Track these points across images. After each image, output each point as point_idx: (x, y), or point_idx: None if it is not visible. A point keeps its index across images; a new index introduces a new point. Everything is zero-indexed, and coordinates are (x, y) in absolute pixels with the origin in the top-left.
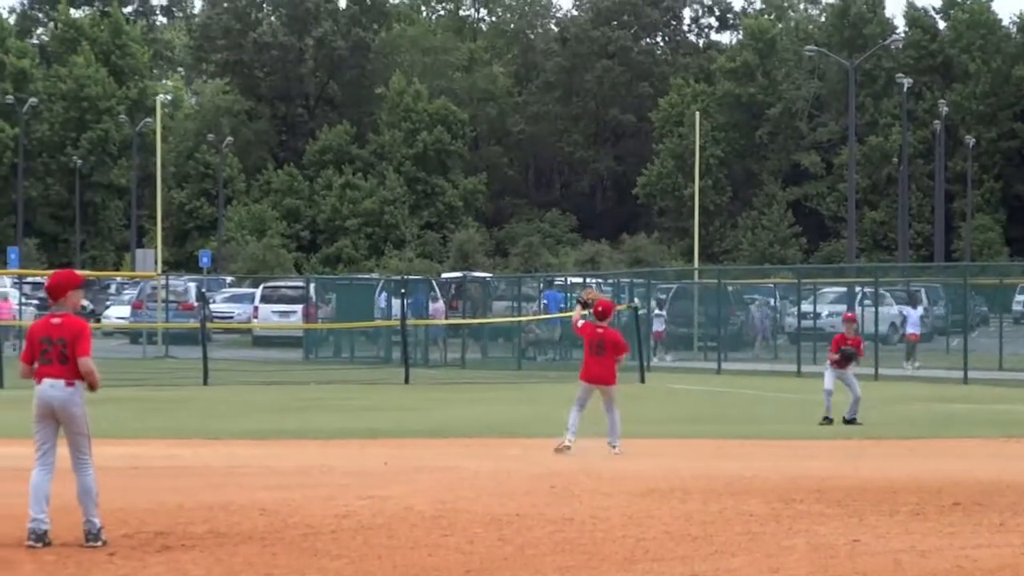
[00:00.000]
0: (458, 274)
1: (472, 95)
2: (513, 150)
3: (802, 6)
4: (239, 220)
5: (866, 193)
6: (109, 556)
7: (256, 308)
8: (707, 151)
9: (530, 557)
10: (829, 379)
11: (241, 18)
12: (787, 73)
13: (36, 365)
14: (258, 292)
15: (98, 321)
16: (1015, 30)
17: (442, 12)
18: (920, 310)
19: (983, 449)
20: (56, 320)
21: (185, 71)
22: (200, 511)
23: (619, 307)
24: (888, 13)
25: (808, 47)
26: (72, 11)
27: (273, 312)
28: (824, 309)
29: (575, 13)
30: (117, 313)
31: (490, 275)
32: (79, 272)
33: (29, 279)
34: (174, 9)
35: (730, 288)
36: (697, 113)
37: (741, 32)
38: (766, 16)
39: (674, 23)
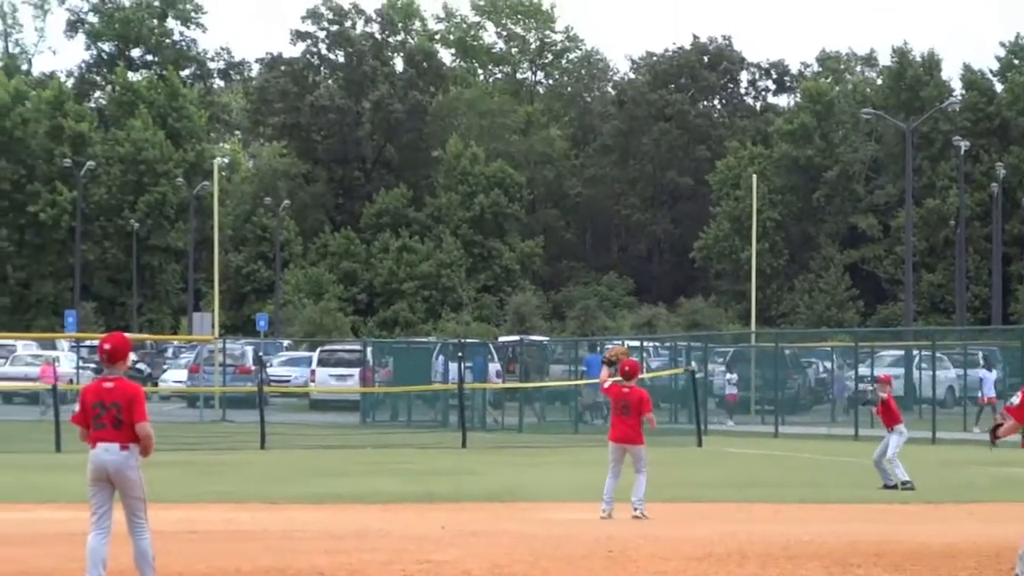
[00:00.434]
0: (515, 338)
1: (529, 158)
2: (570, 213)
3: (859, 68)
4: (296, 283)
5: (923, 256)
6: None
7: (313, 372)
8: (764, 214)
9: None
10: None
11: (298, 81)
12: (844, 135)
13: (90, 429)
14: (315, 356)
15: (155, 385)
16: None
17: (499, 75)
18: (995, 373)
19: None
20: (109, 384)
21: (242, 134)
22: (258, 575)
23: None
24: (945, 76)
25: (865, 110)
26: (130, 74)
27: (330, 376)
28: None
29: (632, 76)
30: (174, 377)
31: (546, 338)
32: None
33: (86, 342)
34: (231, 72)
35: (787, 351)
36: (754, 176)
37: (798, 94)
38: (823, 79)
39: (731, 86)
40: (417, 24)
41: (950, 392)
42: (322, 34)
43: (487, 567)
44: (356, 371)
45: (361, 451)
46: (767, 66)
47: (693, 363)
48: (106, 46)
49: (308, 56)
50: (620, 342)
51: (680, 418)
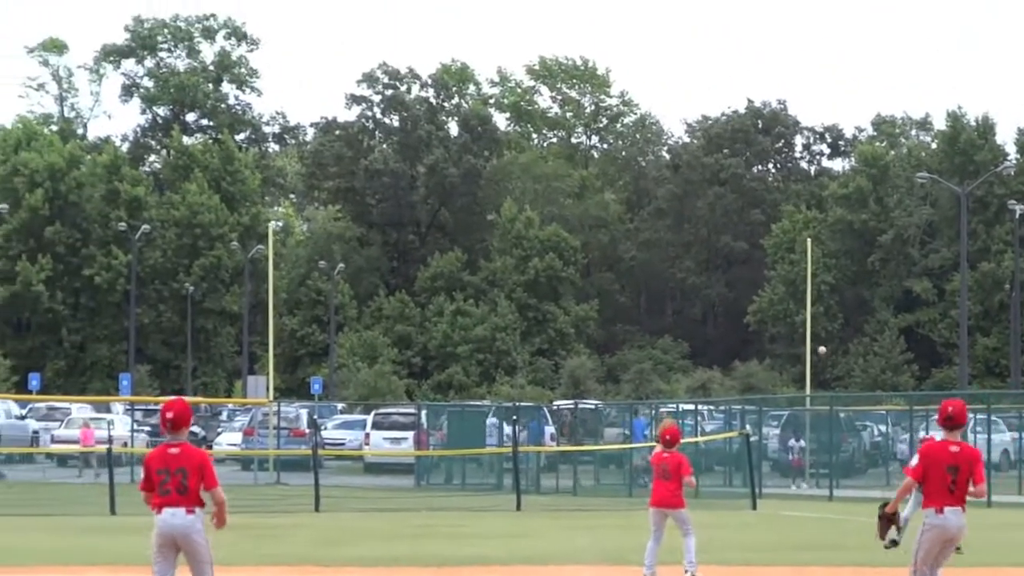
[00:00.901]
0: (570, 403)
1: (584, 222)
2: (625, 276)
3: (914, 132)
4: (350, 347)
5: (978, 319)
6: None
7: (367, 435)
8: (819, 277)
9: None
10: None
11: (353, 145)
12: (899, 199)
13: (154, 495)
14: (369, 419)
15: (210, 447)
16: None
17: (553, 139)
18: None
19: None
20: (174, 450)
21: (296, 198)
22: None
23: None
24: (999, 139)
25: (920, 174)
26: (185, 138)
27: (384, 439)
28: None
29: (687, 140)
30: (228, 440)
31: (597, 403)
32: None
33: (140, 406)
34: (286, 136)
35: (842, 415)
36: (808, 240)
37: (853, 158)
38: (878, 143)
39: (786, 150)
40: (472, 88)
41: (1005, 455)
42: (377, 98)
43: None
44: (410, 434)
45: (415, 514)
46: (821, 130)
47: (748, 426)
48: (161, 110)
49: (363, 120)
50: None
51: (734, 481)
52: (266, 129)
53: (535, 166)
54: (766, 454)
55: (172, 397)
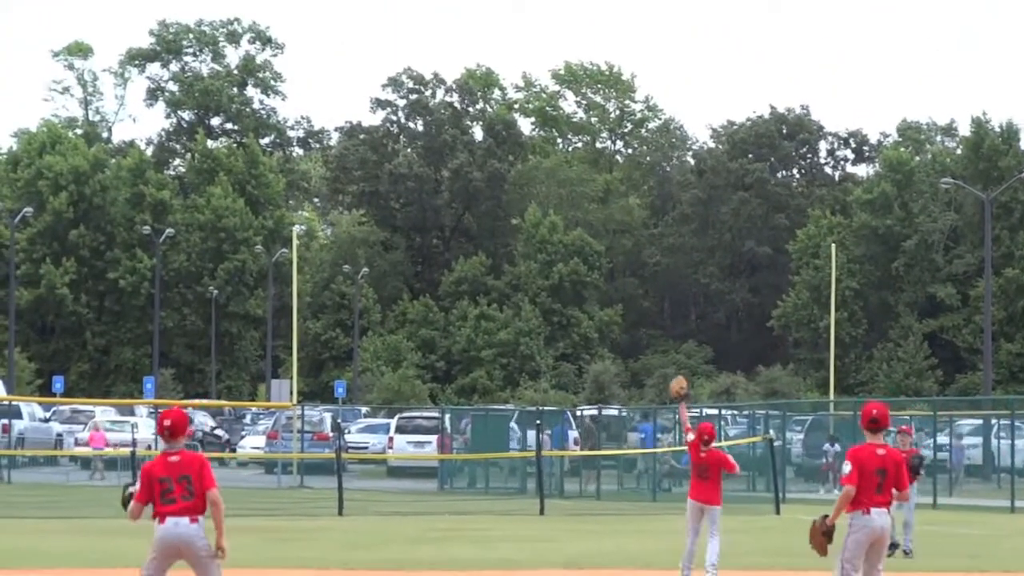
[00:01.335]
0: (593, 408)
1: (608, 226)
2: (649, 281)
3: (939, 138)
4: (374, 351)
5: (1002, 325)
6: None
7: (391, 438)
8: (843, 283)
9: None
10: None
11: (377, 150)
12: (923, 205)
13: (154, 505)
14: (393, 422)
15: (233, 451)
16: None
17: (578, 144)
18: None
19: None
20: (174, 458)
21: (321, 202)
22: None
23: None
24: (1023, 146)
25: (944, 179)
26: (209, 142)
27: (408, 442)
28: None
29: (711, 145)
30: (252, 443)
31: (618, 408)
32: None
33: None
34: (311, 141)
35: None
36: (833, 245)
37: (878, 164)
38: (903, 148)
39: (810, 155)
40: (497, 93)
41: None
42: (402, 103)
43: None
44: (434, 438)
45: (439, 518)
46: (846, 135)
47: (771, 431)
48: (186, 114)
49: (387, 124)
50: (697, 411)
51: (758, 486)
52: (291, 133)
53: (559, 171)
54: (790, 459)
55: (188, 400)
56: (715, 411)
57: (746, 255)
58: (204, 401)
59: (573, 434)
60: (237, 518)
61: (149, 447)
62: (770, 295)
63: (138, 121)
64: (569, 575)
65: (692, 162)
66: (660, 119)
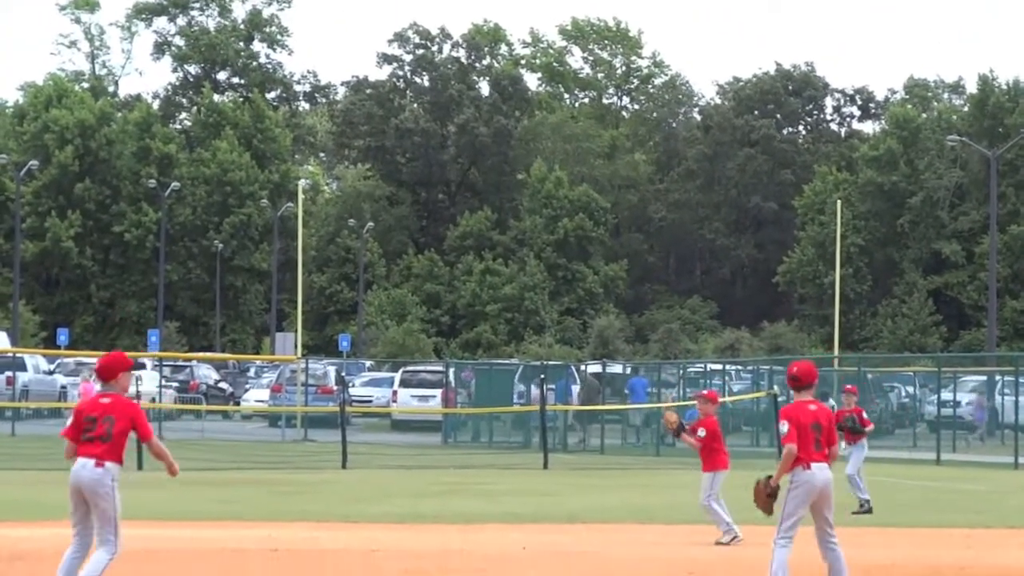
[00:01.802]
0: (598, 367)
1: (613, 182)
2: (654, 237)
3: (946, 95)
4: (379, 305)
5: (1007, 282)
6: None
7: (395, 392)
8: (848, 239)
9: None
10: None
11: (383, 104)
12: (929, 162)
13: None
14: (397, 376)
15: (237, 404)
16: None
17: (584, 100)
18: None
19: None
20: (105, 400)
21: (327, 156)
22: None
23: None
24: None
25: (951, 137)
26: (215, 96)
27: (412, 396)
28: (964, 398)
29: (717, 101)
30: (256, 396)
31: (623, 363)
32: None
33: (168, 362)
34: (317, 95)
35: (870, 376)
36: (839, 201)
37: (884, 121)
38: (910, 106)
39: (816, 112)
40: (503, 49)
41: None
42: (408, 58)
43: None
44: (438, 392)
45: (442, 471)
46: (852, 92)
47: (775, 387)
48: (192, 68)
49: (394, 79)
50: (701, 366)
51: (761, 441)
52: (297, 88)
53: (565, 126)
54: None
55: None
56: (719, 366)
57: (751, 211)
58: (208, 354)
59: (577, 388)
60: (241, 471)
61: (153, 400)
62: (775, 251)
63: (144, 75)
64: (572, 529)
65: (698, 118)
66: (666, 75)
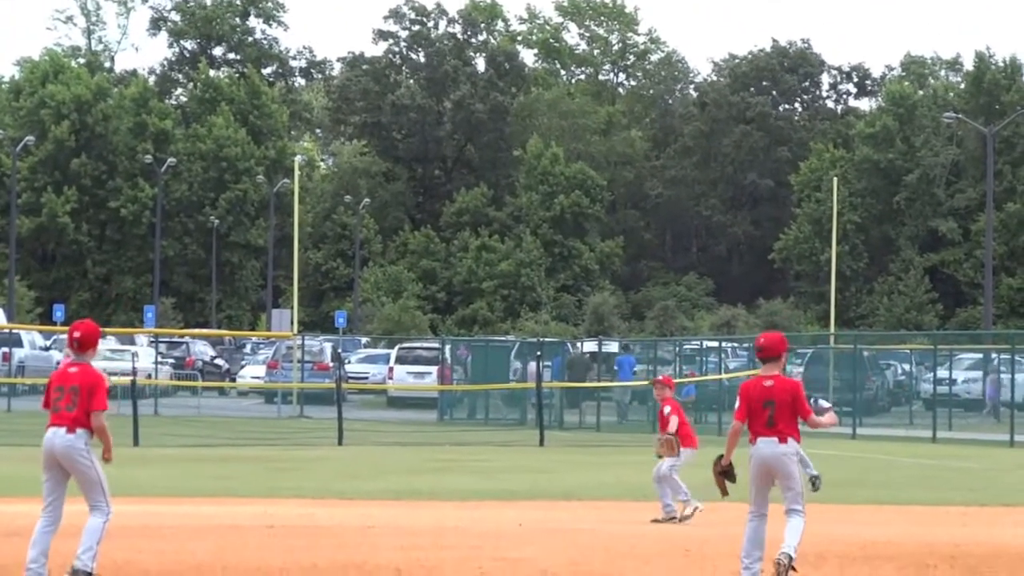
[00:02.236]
0: (594, 345)
1: (609, 159)
2: (650, 214)
3: (943, 73)
4: (375, 281)
5: (1003, 259)
6: None
7: (391, 369)
8: (844, 216)
9: None
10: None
11: (379, 81)
12: (925, 140)
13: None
14: (393, 353)
15: (233, 380)
16: None
17: (581, 76)
18: None
19: None
20: (73, 369)
21: (323, 132)
22: (335, 571)
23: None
24: None
25: (947, 114)
26: (211, 72)
27: (408, 373)
28: (960, 375)
29: (713, 78)
30: (252, 373)
31: (619, 340)
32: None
33: (164, 338)
34: (313, 71)
35: (866, 353)
36: (835, 178)
37: (880, 98)
38: (906, 83)
39: (812, 89)
40: (500, 25)
41: None
42: (404, 34)
43: (564, 564)
44: (434, 369)
45: (438, 448)
46: (848, 70)
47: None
48: (188, 44)
49: (390, 55)
50: (697, 343)
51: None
52: (292, 63)
53: (562, 103)
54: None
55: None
56: (715, 343)
57: (748, 188)
58: (204, 331)
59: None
60: (236, 447)
61: (149, 376)
62: (771, 228)
63: (140, 51)
64: (568, 506)
65: (694, 95)
66: (662, 52)
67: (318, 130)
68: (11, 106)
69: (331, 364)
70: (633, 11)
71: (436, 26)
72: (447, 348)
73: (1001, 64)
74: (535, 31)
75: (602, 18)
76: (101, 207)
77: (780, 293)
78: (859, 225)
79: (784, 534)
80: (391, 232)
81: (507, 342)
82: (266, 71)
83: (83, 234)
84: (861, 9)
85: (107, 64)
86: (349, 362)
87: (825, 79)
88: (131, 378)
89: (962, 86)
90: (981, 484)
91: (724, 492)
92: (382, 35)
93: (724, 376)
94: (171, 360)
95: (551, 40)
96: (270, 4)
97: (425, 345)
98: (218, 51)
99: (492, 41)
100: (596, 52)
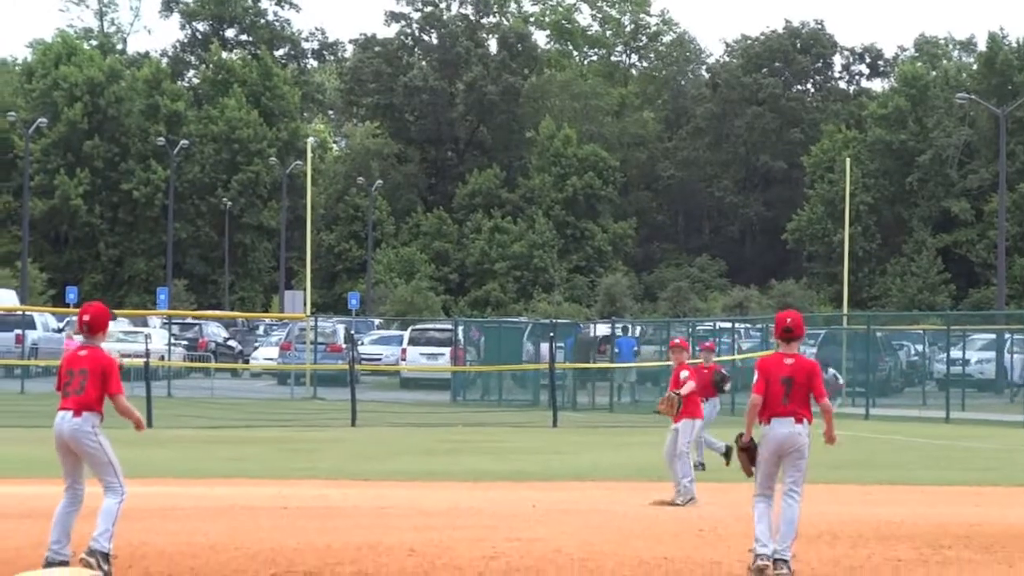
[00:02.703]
0: (606, 327)
1: (622, 140)
2: (663, 195)
3: (956, 53)
4: (388, 263)
5: (1016, 240)
6: None
7: (404, 350)
8: (857, 197)
9: None
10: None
11: (392, 62)
12: (938, 120)
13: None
14: (406, 334)
15: (246, 362)
16: None
17: (593, 57)
18: None
19: None
20: (83, 352)
21: (335, 114)
22: (348, 551)
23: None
24: None
25: (960, 94)
26: (223, 53)
27: (421, 354)
28: (973, 356)
29: (726, 59)
30: (265, 354)
31: (630, 321)
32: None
33: (177, 320)
34: (325, 53)
35: (879, 334)
36: (848, 159)
37: (893, 79)
38: (919, 63)
39: (825, 70)
40: (512, 6)
41: None
42: (416, 15)
43: (578, 545)
44: (447, 350)
45: (451, 429)
46: (860, 50)
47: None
48: (200, 26)
49: (402, 37)
50: (710, 324)
51: None
52: (305, 45)
53: (574, 84)
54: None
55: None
56: (728, 324)
57: (760, 169)
58: (217, 312)
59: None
60: (250, 429)
61: (162, 358)
62: (784, 209)
63: (153, 33)
64: (581, 486)
65: (706, 76)
66: (675, 33)
67: (330, 112)
68: (24, 88)
69: (344, 345)
70: None
71: (448, 7)
72: (460, 329)
73: (1014, 44)
74: (547, 12)
75: None
76: (114, 189)
77: (793, 274)
78: (872, 206)
79: (780, 525)
80: (404, 213)
81: (520, 323)
82: (278, 53)
83: (96, 216)
84: None
85: (119, 46)
86: (362, 343)
87: (838, 60)
88: (144, 360)
89: (975, 67)
90: (995, 464)
91: (749, 472)
92: (394, 16)
93: (737, 357)
94: (184, 342)
95: (563, 21)
96: None
97: (438, 326)
98: (230, 33)
99: (504, 22)
100: (608, 33)
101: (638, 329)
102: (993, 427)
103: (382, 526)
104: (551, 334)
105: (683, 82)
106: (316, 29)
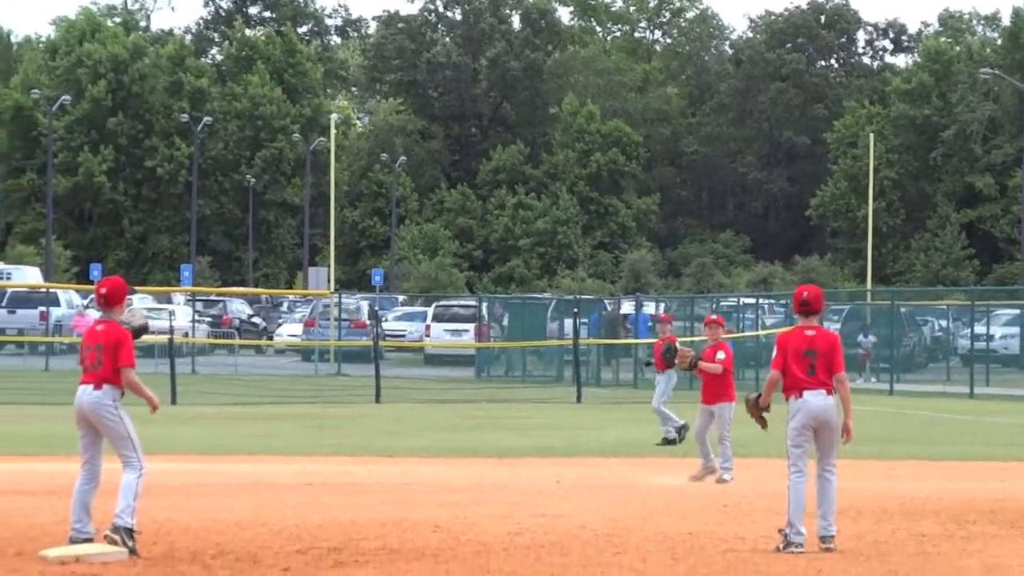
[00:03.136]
0: (631, 305)
1: (646, 116)
2: (686, 171)
3: (980, 28)
4: (412, 239)
5: None
6: (283, 572)
7: (428, 326)
8: (881, 173)
9: None
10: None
11: (415, 39)
12: (962, 95)
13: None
14: (430, 311)
15: (270, 339)
16: None
17: (617, 33)
18: None
19: None
20: (100, 327)
21: (359, 91)
22: (373, 527)
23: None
24: None
25: (984, 69)
26: (247, 30)
27: (445, 331)
28: (997, 331)
29: (749, 35)
30: (289, 331)
31: (655, 297)
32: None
33: (201, 297)
34: (348, 29)
35: (903, 309)
36: (871, 135)
37: (917, 54)
38: (943, 38)
39: (849, 46)
40: None
41: None
42: None
43: (602, 521)
44: (471, 326)
45: (475, 405)
46: (884, 26)
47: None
48: (224, 2)
49: (425, 14)
50: (734, 299)
51: None
52: (328, 22)
53: (598, 60)
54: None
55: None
56: (752, 300)
57: (784, 145)
58: (241, 289)
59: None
60: (274, 405)
61: (186, 334)
62: (808, 185)
63: (176, 10)
64: (605, 462)
65: (730, 52)
66: (698, 9)
67: (354, 88)
68: (48, 65)
69: (368, 322)
70: None
71: None
72: (484, 306)
73: None
74: None
75: None
76: (138, 166)
77: (817, 250)
78: (895, 181)
79: (819, 505)
80: (427, 190)
81: (544, 299)
82: (302, 29)
83: (119, 193)
84: None
85: (143, 23)
86: (386, 320)
87: (861, 35)
88: (168, 336)
89: (999, 42)
90: (1019, 439)
91: (764, 426)
92: None
93: (761, 332)
94: (208, 319)
95: None
96: None
97: (462, 303)
98: (254, 10)
99: None
100: (632, 9)
101: (652, 306)
102: (1018, 402)
103: (406, 502)
104: (575, 310)
105: (707, 58)
106: (339, 6)
